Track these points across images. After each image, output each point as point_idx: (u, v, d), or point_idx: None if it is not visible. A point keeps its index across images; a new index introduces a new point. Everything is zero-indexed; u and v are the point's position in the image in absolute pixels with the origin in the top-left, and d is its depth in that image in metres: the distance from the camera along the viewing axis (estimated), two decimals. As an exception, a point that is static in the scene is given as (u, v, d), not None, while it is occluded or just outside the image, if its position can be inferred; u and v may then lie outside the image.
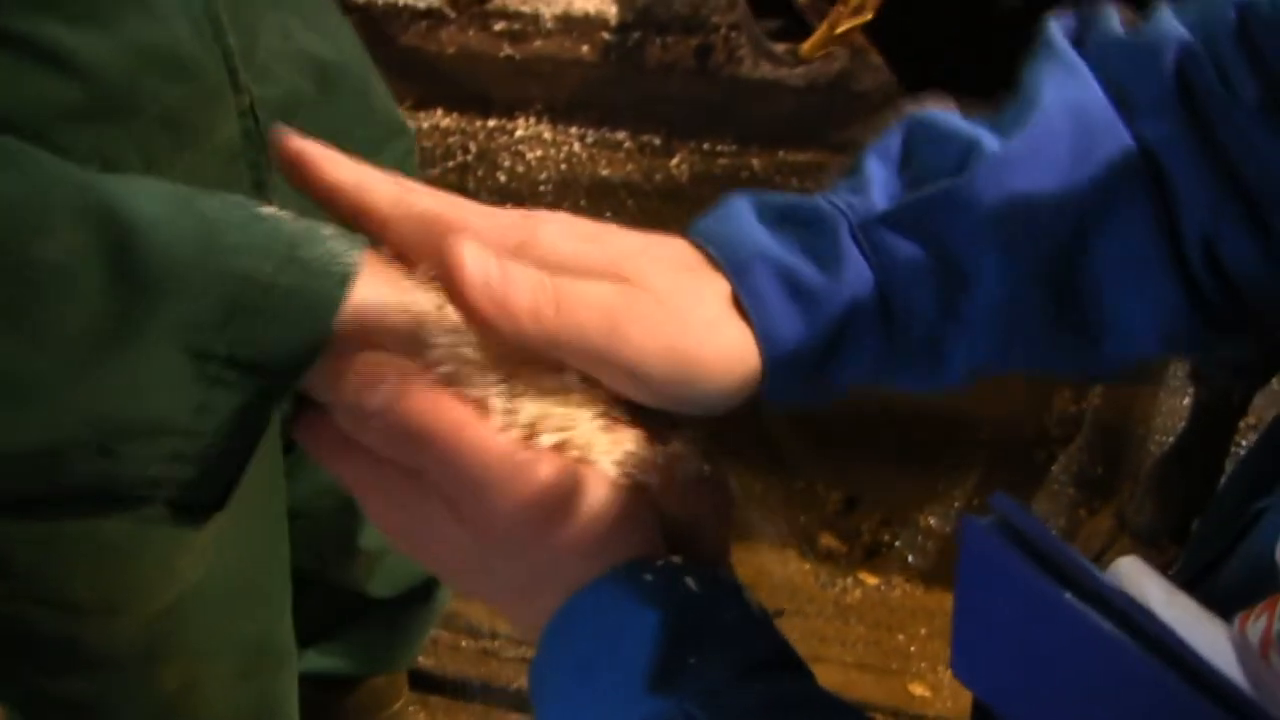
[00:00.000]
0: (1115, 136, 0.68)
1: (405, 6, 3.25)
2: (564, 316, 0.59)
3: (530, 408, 0.61)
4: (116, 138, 0.93)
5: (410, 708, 2.05)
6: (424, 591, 1.58)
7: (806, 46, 1.37)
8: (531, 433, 0.60)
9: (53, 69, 0.88)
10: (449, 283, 0.59)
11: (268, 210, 0.61)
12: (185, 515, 0.64)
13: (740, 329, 0.64)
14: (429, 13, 3.23)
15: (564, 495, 0.59)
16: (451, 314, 0.61)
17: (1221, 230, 0.67)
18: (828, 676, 2.17)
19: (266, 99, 1.07)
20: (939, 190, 0.67)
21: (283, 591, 1.30)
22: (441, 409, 0.60)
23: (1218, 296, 0.68)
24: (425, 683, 2.18)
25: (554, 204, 2.92)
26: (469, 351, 0.61)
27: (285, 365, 0.59)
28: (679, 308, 0.63)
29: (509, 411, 0.60)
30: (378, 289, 0.61)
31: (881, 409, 2.50)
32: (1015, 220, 0.67)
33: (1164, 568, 1.85)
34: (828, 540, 2.33)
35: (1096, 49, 0.71)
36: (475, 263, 0.58)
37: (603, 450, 0.61)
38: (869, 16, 1.35)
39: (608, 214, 2.87)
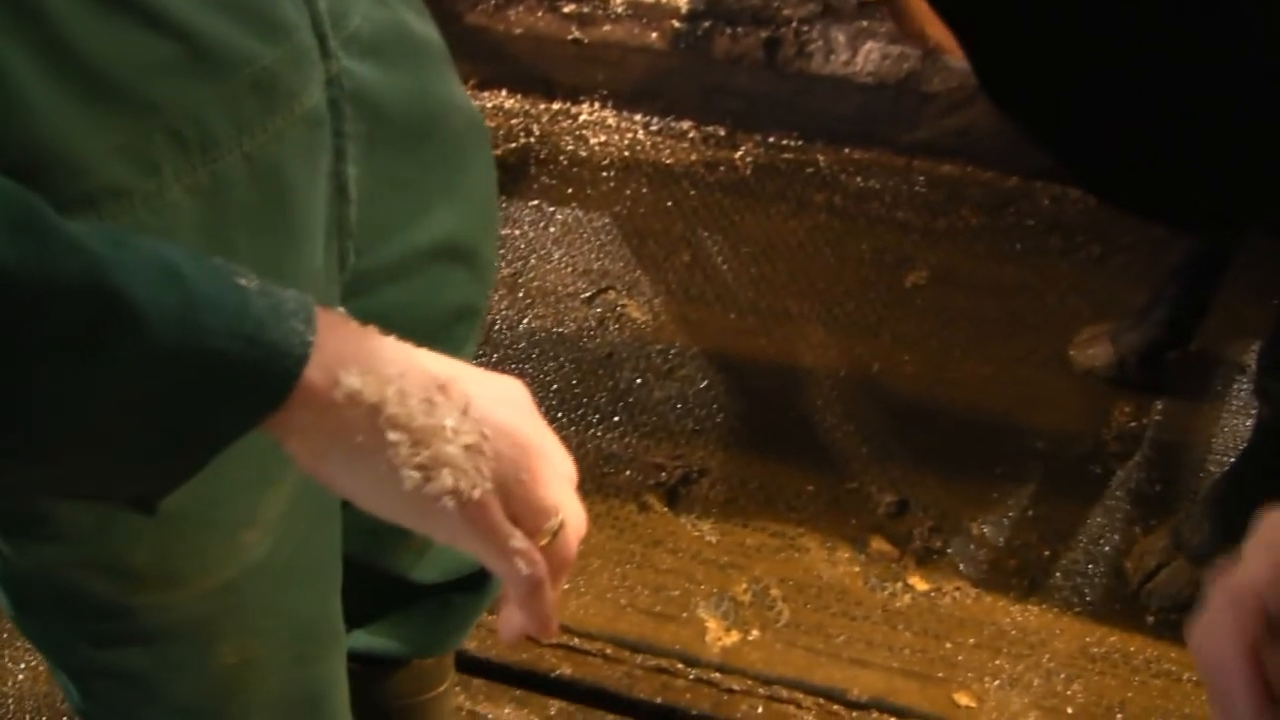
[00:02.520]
0: None
1: (475, -15, 3.24)
2: None
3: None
4: (208, 98, 0.91)
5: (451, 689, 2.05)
6: (474, 580, 1.57)
7: None
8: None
9: (143, 22, 0.86)
10: None
11: (243, 282, 0.76)
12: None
13: None
14: (499, -8, 3.23)
15: None
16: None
17: None
18: (872, 682, 2.17)
19: (353, 71, 1.06)
20: None
21: (335, 573, 1.29)
22: None
23: None
24: (467, 665, 2.18)
25: (616, 190, 2.91)
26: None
27: (241, 423, 0.76)
28: None
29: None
30: (329, 363, 0.78)
31: (936, 414, 2.48)
32: None
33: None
34: (878, 544, 2.31)
35: None
36: None
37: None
38: None
39: (669, 204, 2.86)
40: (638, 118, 3.08)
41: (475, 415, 0.82)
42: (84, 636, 1.19)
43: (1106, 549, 2.28)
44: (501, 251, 2.80)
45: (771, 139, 3.00)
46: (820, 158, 2.96)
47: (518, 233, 2.86)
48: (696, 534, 2.35)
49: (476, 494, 0.81)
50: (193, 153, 0.91)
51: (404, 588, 1.51)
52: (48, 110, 0.82)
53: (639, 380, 2.59)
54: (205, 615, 1.18)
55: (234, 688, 1.25)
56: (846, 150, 2.97)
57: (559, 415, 2.54)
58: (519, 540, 0.83)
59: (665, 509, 2.39)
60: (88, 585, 1.11)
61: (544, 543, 0.85)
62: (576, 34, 3.18)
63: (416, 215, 1.21)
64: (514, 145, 3.03)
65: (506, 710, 2.18)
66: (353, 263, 1.13)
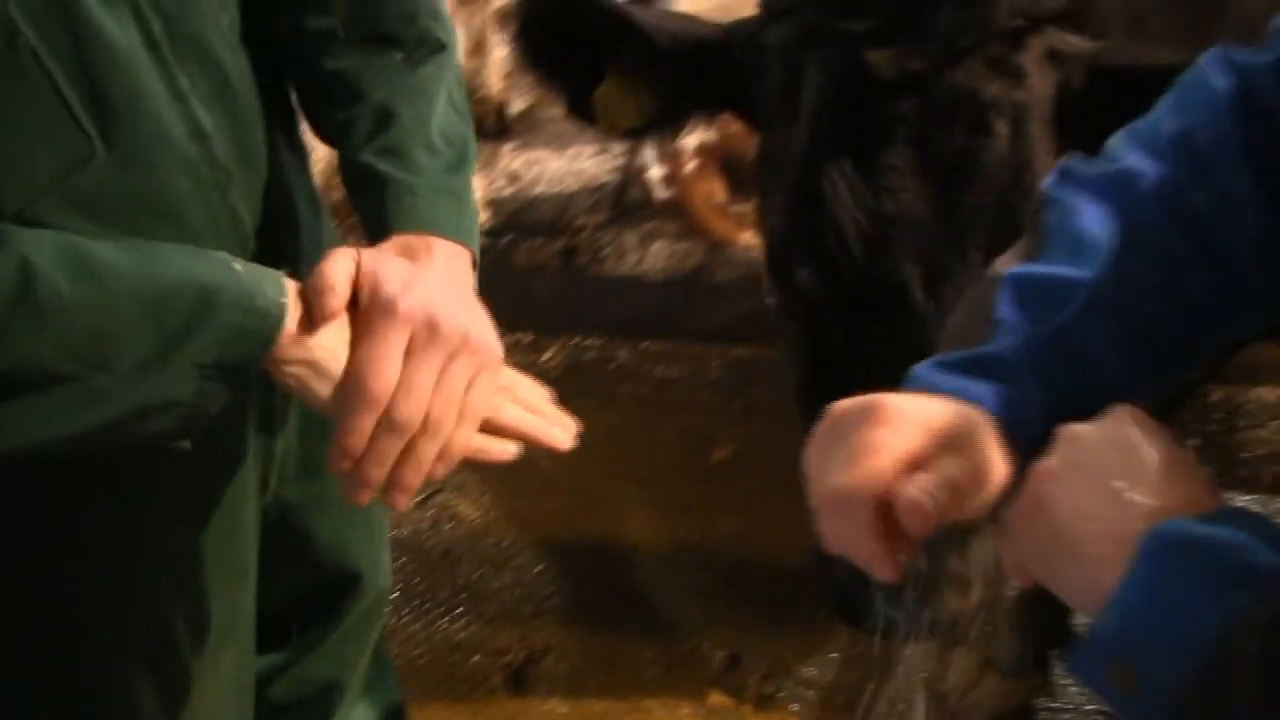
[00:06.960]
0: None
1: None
2: None
3: None
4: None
5: None
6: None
7: None
8: None
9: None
10: None
11: (238, 265, 1.11)
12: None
13: None
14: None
15: None
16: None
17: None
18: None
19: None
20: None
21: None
22: None
23: None
24: None
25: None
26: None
27: (244, 364, 1.10)
28: None
29: None
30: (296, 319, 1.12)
31: (756, 572, 2.65)
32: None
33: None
34: (716, 697, 2.45)
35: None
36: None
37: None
38: None
39: (485, 408, 3.01)
40: (448, 332, 3.24)
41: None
42: None
43: (924, 675, 2.44)
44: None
45: (575, 340, 3.20)
46: (622, 352, 3.16)
47: (345, 448, 2.97)
48: (546, 708, 2.46)
49: None
50: None
51: None
52: None
53: (478, 573, 2.72)
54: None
55: None
56: (645, 344, 3.17)
57: (404, 611, 2.64)
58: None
59: (514, 689, 2.51)
60: None
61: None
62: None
63: None
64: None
65: None
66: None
